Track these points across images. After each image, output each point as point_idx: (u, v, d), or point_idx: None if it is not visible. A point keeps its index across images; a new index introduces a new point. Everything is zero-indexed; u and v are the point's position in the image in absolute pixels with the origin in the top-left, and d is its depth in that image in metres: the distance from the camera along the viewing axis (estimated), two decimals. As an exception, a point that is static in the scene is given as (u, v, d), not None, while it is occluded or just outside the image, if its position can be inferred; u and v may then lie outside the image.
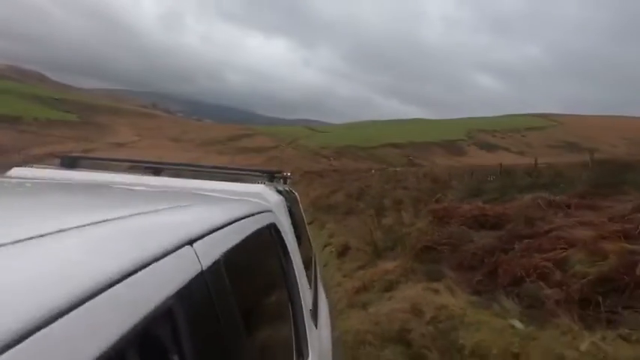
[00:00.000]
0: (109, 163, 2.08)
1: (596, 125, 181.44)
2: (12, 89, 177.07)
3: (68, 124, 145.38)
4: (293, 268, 1.29)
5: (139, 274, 0.39)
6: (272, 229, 1.15)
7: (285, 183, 2.48)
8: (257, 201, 1.20)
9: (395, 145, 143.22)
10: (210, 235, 0.61)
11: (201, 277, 0.52)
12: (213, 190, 1.32)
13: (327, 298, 2.37)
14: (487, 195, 7.80)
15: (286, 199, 1.63)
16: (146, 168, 1.85)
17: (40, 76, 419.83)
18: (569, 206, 4.88)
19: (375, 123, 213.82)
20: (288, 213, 1.54)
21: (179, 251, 0.49)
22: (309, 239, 2.62)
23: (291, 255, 1.30)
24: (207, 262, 0.55)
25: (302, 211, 2.65)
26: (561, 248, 3.06)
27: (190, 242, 0.53)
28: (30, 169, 1.42)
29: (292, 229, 1.52)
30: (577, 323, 2.21)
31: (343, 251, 5.90)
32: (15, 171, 1.41)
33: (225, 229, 0.72)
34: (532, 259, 3.11)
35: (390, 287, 3.65)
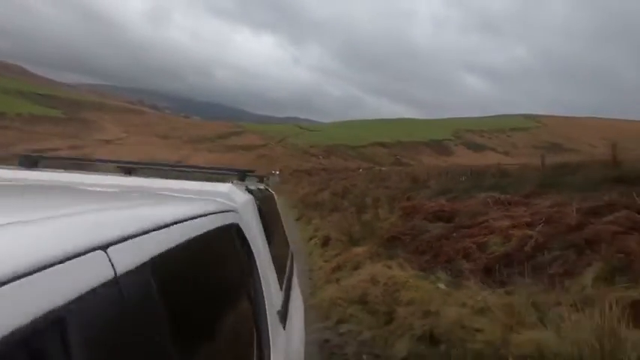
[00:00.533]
0: (77, 163, 1.97)
1: (578, 126, 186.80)
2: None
3: (53, 120, 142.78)
4: (257, 269, 1.28)
5: (34, 276, 0.37)
6: (233, 230, 1.12)
7: (260, 182, 2.44)
8: (221, 200, 1.19)
9: (383, 145, 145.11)
10: (140, 238, 0.58)
11: (113, 284, 0.48)
12: (177, 190, 1.31)
13: (302, 297, 2.42)
14: (452, 194, 8.86)
15: (257, 199, 1.62)
16: (118, 167, 1.89)
17: (21, 70, 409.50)
18: (510, 203, 5.95)
19: (364, 122, 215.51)
20: (257, 213, 1.51)
21: (85, 256, 0.45)
22: (285, 240, 2.62)
23: (255, 256, 1.29)
24: (125, 267, 0.51)
25: (278, 210, 2.63)
26: (485, 234, 4.09)
27: (104, 247, 0.49)
28: None
29: (261, 230, 1.51)
30: (479, 285, 3.21)
31: (325, 242, 6.93)
32: None
33: (171, 228, 0.69)
34: (463, 243, 4.14)
35: (357, 266, 4.66)
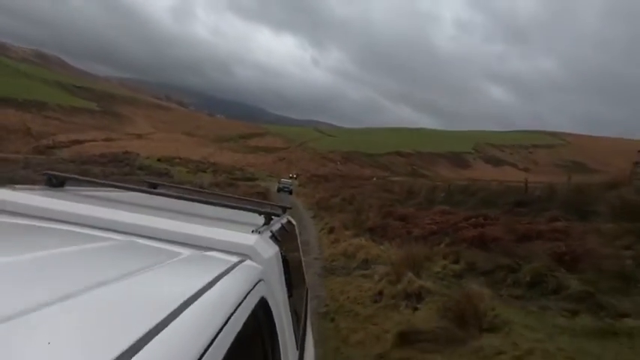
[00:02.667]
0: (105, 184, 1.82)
1: (605, 147, 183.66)
2: (36, 74, 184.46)
3: (89, 112, 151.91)
4: (278, 346, 1.17)
5: None
6: (258, 306, 0.96)
7: (284, 212, 2.23)
8: (247, 264, 1.06)
9: (401, 154, 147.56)
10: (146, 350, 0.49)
11: None
12: (196, 239, 1.19)
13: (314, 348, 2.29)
14: (425, 204, 12.62)
15: (282, 246, 1.49)
16: (144, 181, 1.82)
17: (60, 61, 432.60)
18: (449, 213, 9.66)
19: (383, 130, 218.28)
20: (282, 269, 1.38)
21: None
22: (303, 276, 2.47)
23: (279, 333, 1.18)
24: None
25: (299, 244, 2.50)
26: (414, 226, 7.83)
27: None
28: (12, 191, 1.27)
29: (285, 291, 1.38)
30: (396, 246, 6.97)
31: (331, 230, 10.83)
32: None
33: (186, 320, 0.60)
34: (401, 230, 7.90)
35: (345, 241, 8.52)
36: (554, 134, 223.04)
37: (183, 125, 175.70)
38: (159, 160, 50.69)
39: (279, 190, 34.25)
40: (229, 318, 0.70)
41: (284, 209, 2.26)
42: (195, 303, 0.66)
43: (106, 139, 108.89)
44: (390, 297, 4.28)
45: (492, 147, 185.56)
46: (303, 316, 2.02)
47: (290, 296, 1.46)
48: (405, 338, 3.26)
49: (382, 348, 3.25)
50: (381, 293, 4.54)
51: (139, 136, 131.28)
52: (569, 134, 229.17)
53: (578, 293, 3.55)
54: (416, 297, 4.02)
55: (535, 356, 2.54)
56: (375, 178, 53.51)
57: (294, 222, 2.42)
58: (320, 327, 3.91)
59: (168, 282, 0.81)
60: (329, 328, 3.95)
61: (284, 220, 2.04)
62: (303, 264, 2.68)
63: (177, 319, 0.58)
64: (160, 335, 0.51)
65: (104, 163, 40.65)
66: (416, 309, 3.85)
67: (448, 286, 4.52)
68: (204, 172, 46.09)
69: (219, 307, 0.72)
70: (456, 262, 5.24)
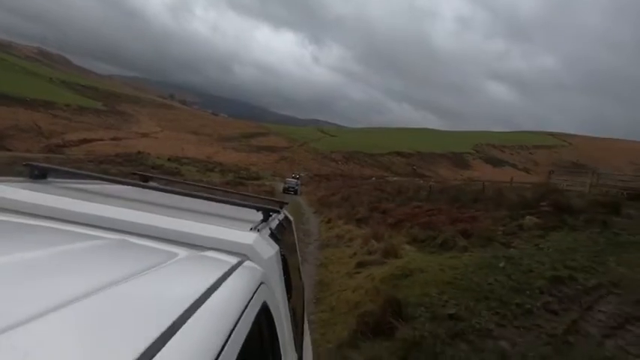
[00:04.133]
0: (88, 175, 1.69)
1: (606, 148, 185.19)
2: (41, 73, 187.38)
3: (95, 111, 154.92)
4: (279, 349, 1.14)
5: None
6: (262, 314, 0.93)
7: (281, 208, 2.12)
8: (248, 265, 1.03)
9: (401, 154, 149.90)
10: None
11: None
12: (193, 237, 1.13)
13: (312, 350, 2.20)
14: (407, 201, 15.23)
15: (281, 244, 1.44)
16: (134, 175, 1.72)
17: (64, 59, 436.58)
18: (419, 207, 12.32)
19: (385, 130, 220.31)
20: (281, 266, 1.33)
21: None
22: (300, 273, 2.39)
23: (279, 337, 1.13)
24: None
25: (296, 240, 2.42)
26: (390, 217, 10.45)
27: None
28: None
29: (284, 289, 1.33)
30: (373, 229, 9.65)
31: (328, 221, 13.58)
32: None
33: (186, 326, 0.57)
34: (381, 219, 10.57)
35: (339, 227, 11.23)
36: (555, 135, 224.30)
37: (188, 124, 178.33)
38: (169, 159, 53.46)
39: (285, 190, 33.45)
40: (234, 327, 0.68)
41: (281, 204, 2.21)
42: (199, 311, 0.63)
43: (114, 138, 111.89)
44: (360, 254, 6.98)
45: (493, 147, 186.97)
46: (301, 316, 1.97)
47: (289, 298, 1.43)
48: (360, 264, 6.05)
49: (347, 269, 6.02)
50: (355, 253, 7.22)
51: (145, 135, 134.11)
52: (571, 135, 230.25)
53: (461, 247, 6.13)
54: (372, 252, 6.71)
55: (413, 263, 5.22)
56: (373, 178, 56.06)
57: (291, 218, 2.36)
58: (317, 270, 6.65)
59: (169, 287, 0.75)
60: (322, 269, 6.68)
61: (281, 217, 1.97)
62: (300, 259, 2.60)
63: (182, 329, 0.55)
64: (164, 349, 0.49)
65: (120, 163, 43.43)
66: (370, 254, 6.59)
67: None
68: (212, 171, 48.87)
69: (223, 315, 0.69)
70: (405, 235, 7.91)
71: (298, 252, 2.53)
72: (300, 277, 2.43)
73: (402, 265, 5.12)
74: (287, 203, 2.39)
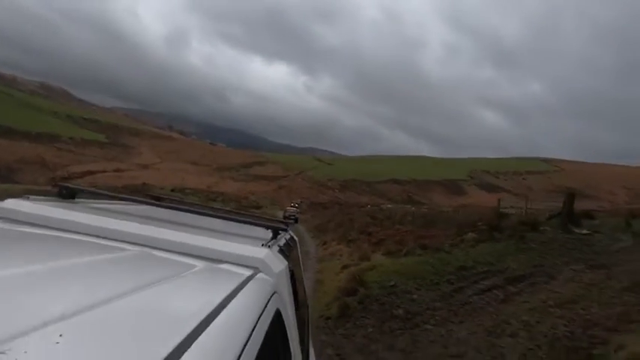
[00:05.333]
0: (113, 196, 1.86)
1: (597, 173, 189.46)
2: (45, 107, 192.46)
3: (98, 144, 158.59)
4: (291, 357, 1.20)
5: None
6: (276, 321, 0.99)
7: (287, 226, 2.24)
8: (261, 277, 1.09)
9: (397, 182, 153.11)
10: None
11: None
12: (208, 252, 1.21)
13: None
14: (391, 225, 17.76)
15: (289, 259, 1.51)
16: (147, 195, 1.86)
17: (65, 93, 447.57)
18: (397, 229, 14.85)
19: (380, 158, 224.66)
20: (290, 282, 1.41)
21: None
22: (304, 291, 2.46)
23: (290, 345, 1.21)
24: None
25: (300, 258, 2.51)
26: (376, 238, 12.99)
27: None
28: (25, 201, 1.30)
29: (293, 301, 1.41)
30: (361, 248, 12.11)
31: (324, 243, 16.03)
32: (8, 203, 1.28)
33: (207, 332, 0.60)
34: (366, 239, 13.11)
35: (332, 247, 13.70)
36: (547, 161, 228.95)
37: (187, 154, 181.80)
38: (172, 190, 55.96)
39: (285, 219, 37.64)
40: (251, 333, 0.71)
41: (287, 224, 2.34)
42: (218, 318, 0.66)
43: (116, 170, 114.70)
44: (344, 262, 9.48)
45: (487, 174, 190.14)
46: (306, 330, 2.04)
47: (297, 309, 1.51)
48: (344, 267, 8.56)
49: (335, 271, 8.54)
50: (342, 263, 9.72)
51: (146, 167, 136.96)
52: (563, 161, 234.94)
53: (416, 255, 8.65)
54: (353, 259, 9.21)
55: (377, 263, 7.80)
56: (369, 206, 58.35)
57: (296, 237, 2.44)
58: (315, 275, 9.17)
59: (188, 295, 0.80)
60: (318, 274, 9.18)
61: (288, 236, 2.06)
62: (304, 279, 2.67)
63: (202, 335, 0.58)
64: (186, 355, 0.51)
65: (129, 193, 45.78)
66: (351, 261, 9.11)
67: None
68: (215, 200, 51.19)
69: (240, 323, 0.72)
70: (382, 249, 10.44)
71: (302, 269, 2.56)
72: (305, 294, 2.50)
73: (370, 264, 7.59)
74: (292, 223, 3.49)
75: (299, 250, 2.47)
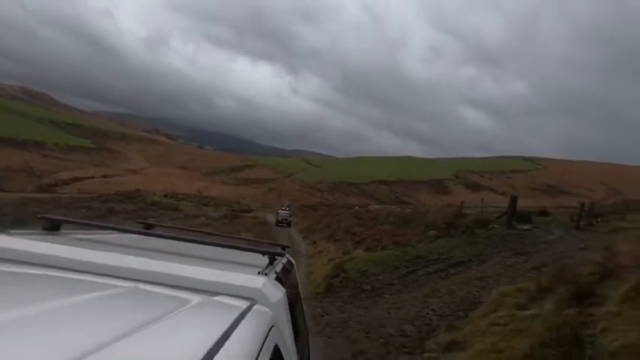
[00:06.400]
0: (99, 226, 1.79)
1: (578, 170, 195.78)
2: (29, 112, 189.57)
3: (85, 149, 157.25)
4: None
5: None
6: (275, 356, 0.95)
7: (283, 250, 2.20)
8: (258, 309, 1.05)
9: (384, 183, 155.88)
10: None
11: None
12: (202, 283, 1.15)
13: None
14: (373, 225, 19.95)
15: (287, 287, 1.47)
16: (138, 223, 1.80)
17: (48, 98, 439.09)
18: (378, 228, 17.01)
19: (368, 159, 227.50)
20: (288, 309, 1.36)
21: None
22: (304, 318, 2.39)
23: None
24: None
25: (299, 284, 2.39)
26: (356, 237, 15.11)
27: None
28: (10, 237, 1.22)
29: (292, 332, 1.35)
30: (346, 245, 14.23)
31: (313, 242, 18.13)
32: None
33: None
34: (350, 238, 15.20)
35: (320, 246, 15.79)
36: (530, 159, 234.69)
37: (176, 159, 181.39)
38: (165, 196, 57.13)
39: (278, 223, 34.81)
40: None
41: (284, 248, 2.27)
42: (216, 358, 0.63)
43: (104, 176, 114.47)
44: (331, 256, 11.54)
45: (472, 173, 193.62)
46: (306, 358, 1.98)
47: (296, 341, 1.45)
48: (330, 260, 10.64)
49: (323, 264, 10.62)
50: (331, 259, 11.80)
51: (135, 172, 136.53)
52: (545, 159, 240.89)
53: (389, 249, 10.81)
54: (337, 254, 11.29)
55: (356, 255, 9.91)
56: (356, 207, 60.50)
57: (293, 261, 2.37)
58: (306, 268, 11.26)
59: (183, 335, 0.76)
60: (309, 267, 11.26)
61: (285, 260, 2.00)
62: (304, 305, 2.57)
63: None
64: None
65: (122, 200, 46.90)
66: (336, 255, 11.20)
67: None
68: (207, 205, 52.62)
69: (242, 356, 0.70)
70: (362, 246, 12.59)
71: (301, 295, 2.44)
72: (305, 322, 2.43)
73: (350, 257, 9.67)
74: (289, 246, 2.57)
75: (297, 274, 2.39)
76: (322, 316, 5.94)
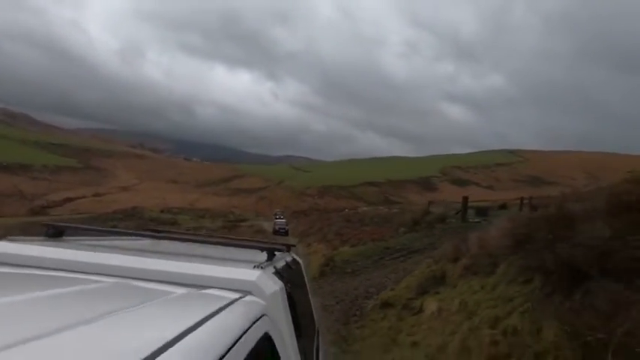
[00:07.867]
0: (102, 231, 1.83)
1: (559, 160, 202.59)
2: (12, 135, 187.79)
3: (72, 169, 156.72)
4: None
5: None
6: (264, 344, 0.95)
7: (288, 250, 2.13)
8: (249, 300, 1.05)
9: (373, 184, 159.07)
10: None
11: None
12: (196, 278, 1.16)
13: None
14: (360, 225, 23.01)
15: (287, 282, 1.46)
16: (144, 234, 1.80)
17: (28, 118, 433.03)
18: (362, 229, 20.05)
19: (355, 161, 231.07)
20: (287, 305, 1.34)
21: None
22: (312, 316, 2.35)
23: None
24: None
25: (307, 283, 2.41)
26: (344, 237, 18.01)
27: None
28: (12, 243, 1.26)
29: (292, 326, 1.35)
30: (335, 245, 17.16)
31: (307, 244, 21.06)
32: None
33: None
34: (338, 238, 18.18)
35: (313, 246, 18.76)
36: (513, 152, 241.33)
37: (165, 173, 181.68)
38: (162, 211, 59.19)
39: (275, 232, 35.23)
40: (227, 352, 0.68)
41: (288, 247, 2.21)
42: (189, 336, 0.64)
43: (95, 195, 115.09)
44: (323, 253, 14.50)
45: (458, 169, 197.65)
46: (313, 358, 1.94)
47: (299, 336, 1.42)
48: (323, 256, 13.64)
49: (318, 259, 13.64)
50: (323, 255, 14.72)
51: (125, 189, 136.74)
52: (527, 151, 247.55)
53: (368, 244, 13.73)
54: (327, 250, 14.22)
55: (342, 249, 12.91)
56: (346, 210, 63.35)
57: (300, 260, 2.31)
58: (305, 264, 14.32)
59: (158, 318, 0.77)
60: (307, 264, 14.27)
61: (289, 258, 1.97)
62: (313, 304, 2.52)
63: (167, 352, 0.56)
64: None
65: (122, 219, 48.79)
66: (326, 251, 14.20)
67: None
68: (203, 217, 54.96)
69: (216, 341, 0.69)
70: (348, 244, 15.57)
71: (310, 294, 2.41)
72: (314, 320, 2.38)
73: (338, 252, 12.60)
74: (294, 245, 2.63)
75: (305, 273, 2.36)
76: (319, 288, 8.98)
